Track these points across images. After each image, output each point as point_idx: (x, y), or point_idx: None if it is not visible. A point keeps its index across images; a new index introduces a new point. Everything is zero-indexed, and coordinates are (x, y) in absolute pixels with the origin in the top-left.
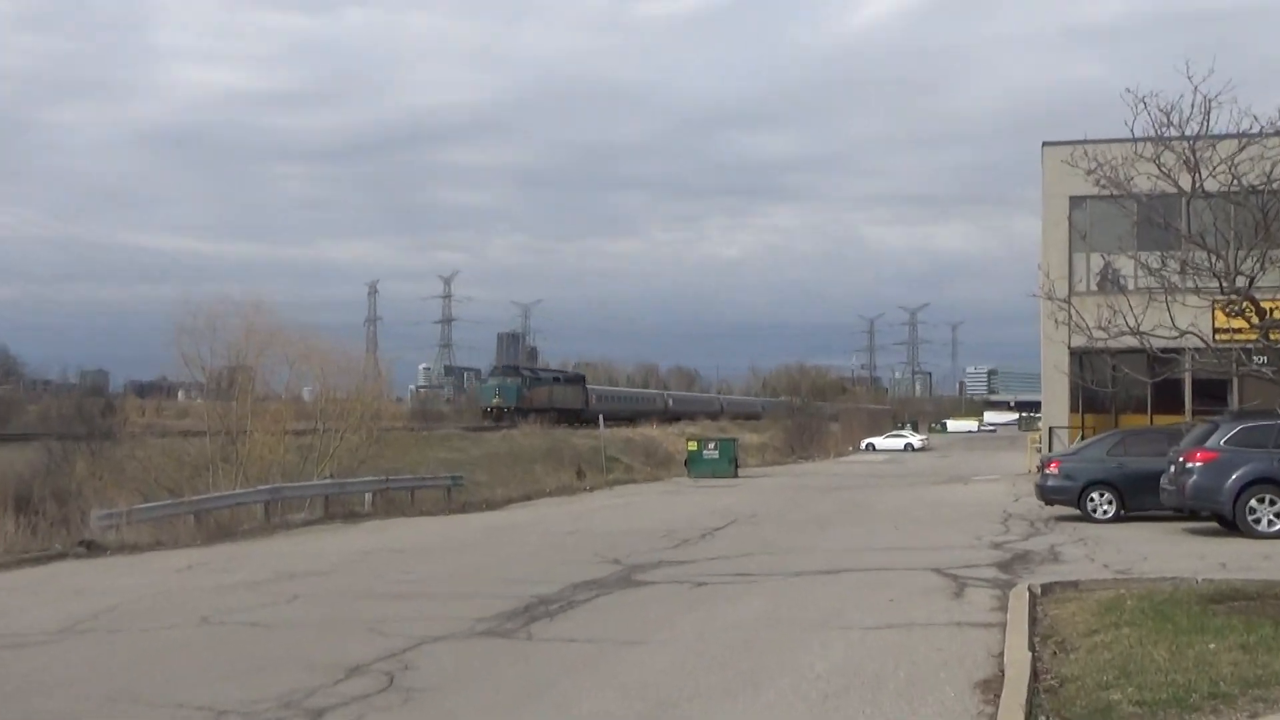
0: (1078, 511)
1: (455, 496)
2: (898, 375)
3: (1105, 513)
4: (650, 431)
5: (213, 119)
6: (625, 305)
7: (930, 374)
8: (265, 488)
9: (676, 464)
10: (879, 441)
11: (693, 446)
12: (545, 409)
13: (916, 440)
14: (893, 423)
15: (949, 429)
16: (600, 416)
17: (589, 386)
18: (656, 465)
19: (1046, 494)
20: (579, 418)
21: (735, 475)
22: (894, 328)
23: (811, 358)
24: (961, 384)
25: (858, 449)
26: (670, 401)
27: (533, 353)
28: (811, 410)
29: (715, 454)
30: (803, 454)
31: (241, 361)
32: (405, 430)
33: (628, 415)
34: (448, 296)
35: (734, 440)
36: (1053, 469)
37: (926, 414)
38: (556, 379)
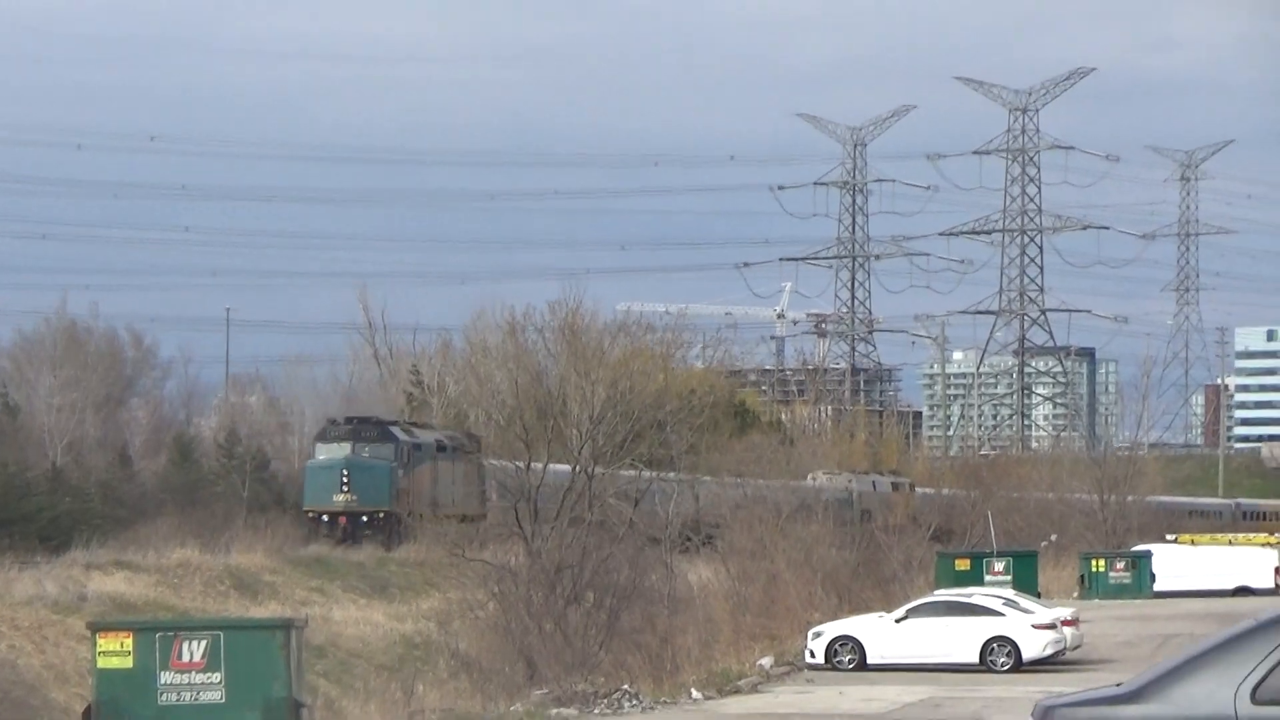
0: None
1: None
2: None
3: None
4: None
5: None
6: None
7: (1091, 354)
8: None
9: None
10: (868, 630)
11: None
12: (428, 510)
13: (1028, 627)
14: (937, 559)
15: (1170, 567)
16: None
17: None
18: None
19: None
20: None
21: None
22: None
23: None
24: (1214, 394)
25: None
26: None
27: None
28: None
29: None
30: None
31: None
32: None
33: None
34: None
35: None
36: None
37: (1097, 526)
38: (442, 446)
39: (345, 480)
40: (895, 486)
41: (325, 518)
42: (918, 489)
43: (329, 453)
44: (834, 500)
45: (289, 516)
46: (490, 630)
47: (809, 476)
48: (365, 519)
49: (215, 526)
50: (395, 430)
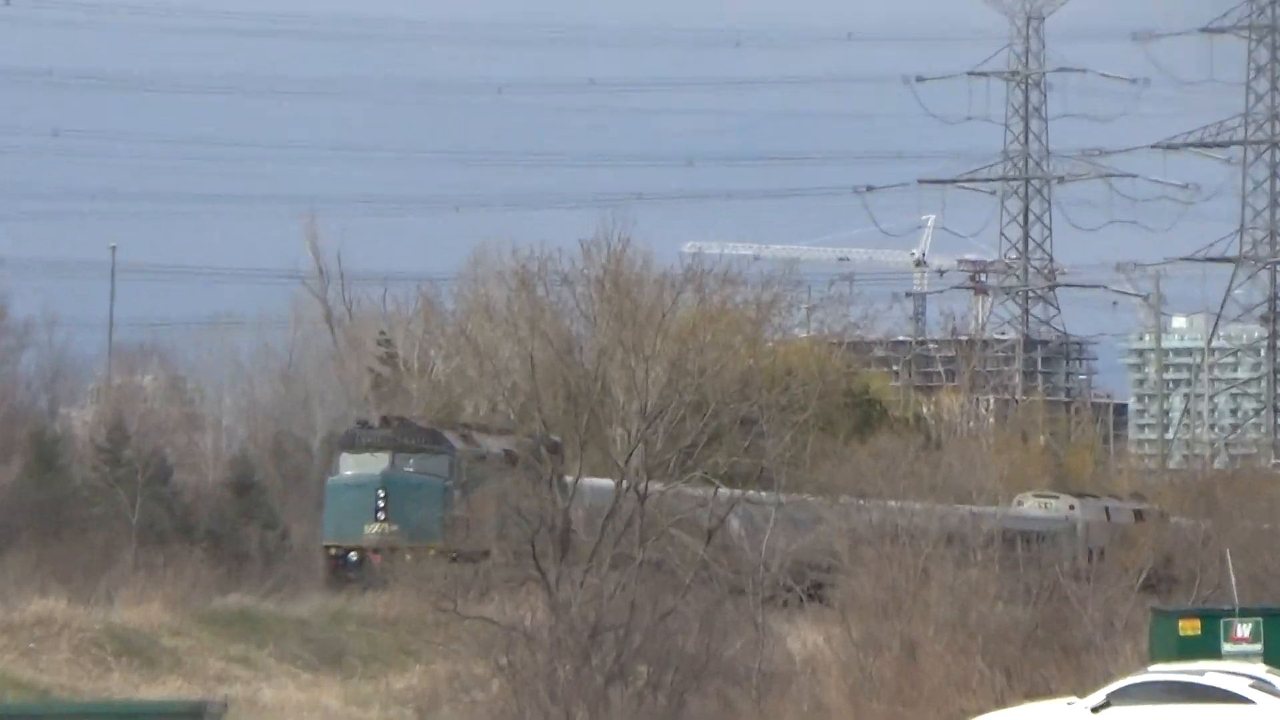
0: None
1: None
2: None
3: None
4: None
5: None
6: None
7: None
8: None
9: None
10: None
11: None
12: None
13: None
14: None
15: None
16: None
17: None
18: None
19: None
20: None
21: None
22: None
23: None
24: None
25: None
26: None
27: None
28: None
29: None
30: None
31: None
32: None
33: None
34: None
35: None
36: None
37: None
38: (513, 457)
39: (382, 504)
40: (1138, 515)
41: (353, 555)
42: None
43: (360, 466)
44: (1049, 534)
45: (199, 551)
46: None
47: (1014, 500)
48: (410, 556)
49: (92, 565)
50: (450, 436)
